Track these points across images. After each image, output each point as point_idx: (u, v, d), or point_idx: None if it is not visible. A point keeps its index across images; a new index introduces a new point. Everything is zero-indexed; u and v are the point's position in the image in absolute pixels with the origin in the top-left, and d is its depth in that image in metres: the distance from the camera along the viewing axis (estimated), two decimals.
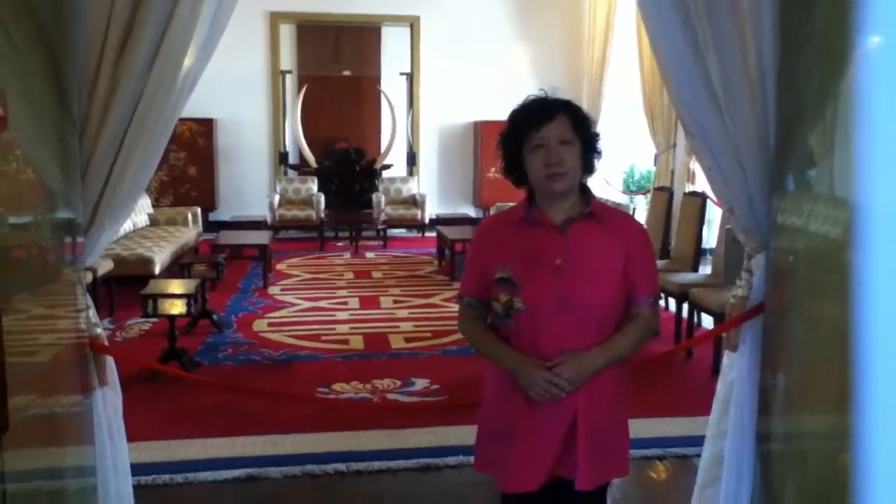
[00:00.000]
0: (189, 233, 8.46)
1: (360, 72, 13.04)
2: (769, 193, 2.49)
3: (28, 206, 2.31)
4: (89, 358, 2.47)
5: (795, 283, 2.54)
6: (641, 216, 8.04)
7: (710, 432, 2.73)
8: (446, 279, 7.95)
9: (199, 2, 2.39)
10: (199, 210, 9.34)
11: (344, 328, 6.12)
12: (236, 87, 10.81)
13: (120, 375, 2.61)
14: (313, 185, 10.81)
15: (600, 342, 1.93)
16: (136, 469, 3.25)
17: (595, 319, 1.93)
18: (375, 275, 8.35)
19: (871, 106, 0.55)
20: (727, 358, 2.72)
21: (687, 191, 7.18)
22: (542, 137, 1.91)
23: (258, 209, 10.75)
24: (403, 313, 6.64)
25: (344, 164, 11.27)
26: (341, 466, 3.57)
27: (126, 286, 6.32)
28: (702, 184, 7.04)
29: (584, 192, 2.01)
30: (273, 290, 7.47)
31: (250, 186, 11.10)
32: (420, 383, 4.73)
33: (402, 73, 11.90)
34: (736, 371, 2.61)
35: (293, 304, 6.92)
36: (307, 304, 6.93)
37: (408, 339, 5.79)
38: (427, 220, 10.70)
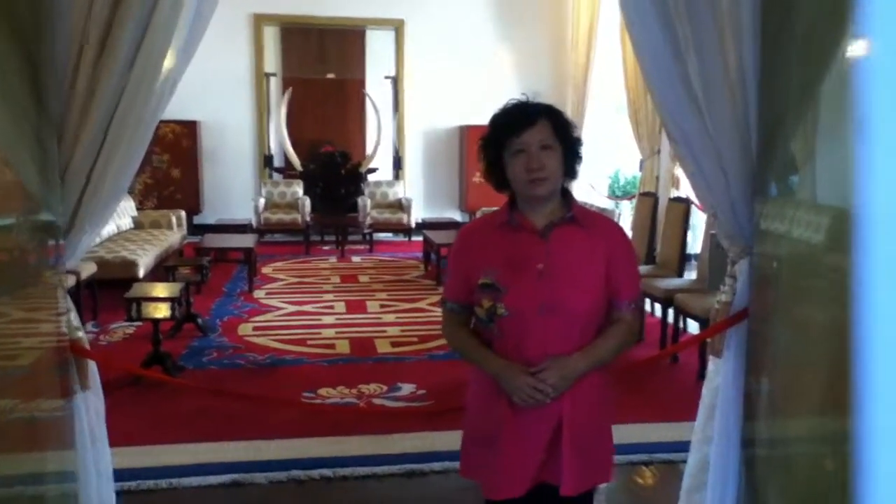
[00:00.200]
0: (173, 236, 8.41)
1: (345, 75, 13.01)
2: (752, 198, 2.50)
3: (6, 209, 2.29)
4: (70, 362, 2.44)
5: (779, 288, 2.55)
6: (627, 221, 8.06)
7: (696, 438, 2.73)
8: (433, 283, 7.94)
9: (180, 2, 2.38)
10: (183, 213, 9.29)
11: (330, 332, 6.10)
12: (220, 89, 10.76)
13: (103, 379, 2.59)
14: (298, 188, 10.77)
15: (583, 347, 1.93)
16: (121, 474, 3.22)
17: (578, 324, 1.92)
18: (362, 279, 8.33)
19: (868, 108, 0.55)
20: (712, 364, 2.73)
21: (672, 196, 7.21)
22: (523, 142, 1.90)
23: (243, 212, 10.69)
24: (390, 318, 6.62)
25: (329, 168, 11.24)
26: (327, 472, 3.55)
27: (110, 289, 6.27)
28: (686, 189, 7.07)
29: (566, 196, 2.01)
30: (258, 293, 7.43)
31: (235, 189, 11.05)
32: (406, 388, 4.72)
33: (387, 77, 11.88)
34: (721, 377, 2.61)
35: (279, 308, 6.89)
36: (293, 308, 6.89)
37: (394, 344, 5.78)
38: (413, 224, 10.68)
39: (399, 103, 11.43)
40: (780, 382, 2.49)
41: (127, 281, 6.00)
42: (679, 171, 7.97)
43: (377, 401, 4.53)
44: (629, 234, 6.86)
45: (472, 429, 2.09)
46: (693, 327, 5.57)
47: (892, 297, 0.53)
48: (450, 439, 3.20)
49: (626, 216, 9.14)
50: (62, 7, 2.26)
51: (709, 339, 2.82)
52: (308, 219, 10.30)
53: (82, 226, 2.43)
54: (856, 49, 2.04)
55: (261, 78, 11.14)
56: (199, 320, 5.97)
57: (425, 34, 11.12)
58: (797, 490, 2.36)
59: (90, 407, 2.48)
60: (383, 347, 5.69)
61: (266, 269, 8.64)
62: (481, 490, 2.04)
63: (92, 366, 2.52)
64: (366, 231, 10.31)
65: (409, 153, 11.51)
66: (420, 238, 9.40)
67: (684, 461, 2.83)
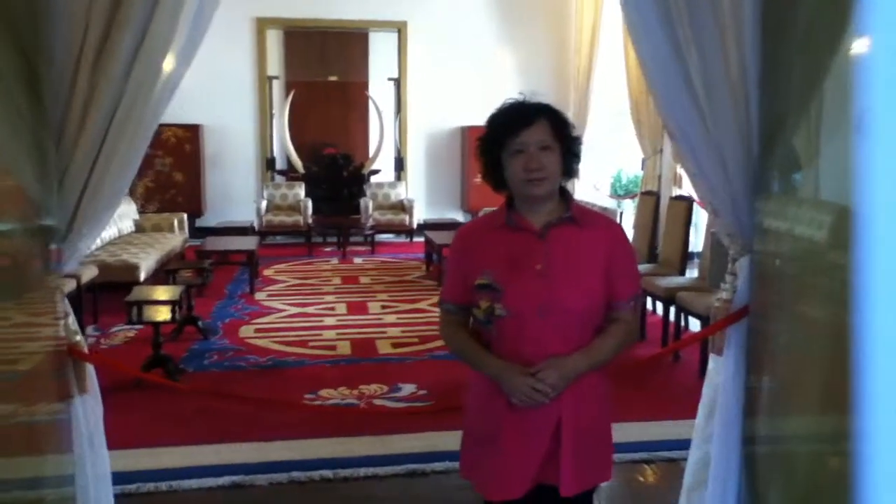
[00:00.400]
0: (175, 239, 8.41)
1: (348, 77, 13.02)
2: (752, 196, 2.49)
3: (5, 213, 2.28)
4: (68, 365, 2.43)
5: (780, 285, 2.54)
6: (629, 220, 8.05)
7: (697, 436, 2.72)
8: (434, 284, 7.93)
9: (179, 5, 2.37)
10: (185, 216, 9.29)
11: (331, 334, 6.09)
12: (223, 92, 10.78)
13: (104, 382, 2.59)
14: (301, 190, 10.78)
15: (582, 346, 1.92)
16: (121, 477, 3.23)
17: (576, 324, 1.91)
18: (363, 280, 8.33)
19: (868, 104, 0.54)
20: (713, 362, 2.72)
21: (674, 195, 7.20)
22: (521, 143, 1.89)
23: (245, 215, 10.70)
24: (391, 318, 6.62)
25: (332, 170, 11.25)
26: (328, 473, 3.54)
27: (112, 293, 6.27)
28: (688, 188, 7.05)
29: (564, 196, 2.00)
30: (260, 295, 7.44)
31: (237, 192, 11.05)
32: (407, 388, 4.71)
33: (389, 79, 11.89)
34: (721, 375, 2.60)
35: (280, 310, 6.89)
36: (294, 310, 6.89)
37: (395, 345, 5.77)
38: (415, 225, 10.68)
39: (401, 105, 11.43)
40: (781, 380, 2.48)
41: (128, 284, 6.00)
42: (681, 170, 7.96)
43: (378, 401, 4.53)
44: (631, 232, 6.85)
45: (472, 428, 2.08)
46: (695, 325, 5.56)
47: (892, 294, 0.52)
48: (451, 439, 3.18)
49: (628, 215, 9.13)
50: (60, 12, 2.26)
51: (709, 337, 2.81)
52: (310, 221, 10.30)
53: (80, 229, 2.43)
54: (857, 46, 2.03)
55: (263, 81, 11.14)
56: (200, 323, 5.97)
57: (428, 36, 11.12)
58: (798, 488, 2.35)
59: (88, 410, 2.47)
60: (384, 348, 5.68)
61: (268, 272, 8.64)
62: (479, 491, 2.03)
63: (90, 369, 2.52)
64: (368, 232, 10.31)
65: (412, 154, 11.51)
66: (422, 239, 9.39)
67: (686, 459, 2.81)
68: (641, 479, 3.60)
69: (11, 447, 2.06)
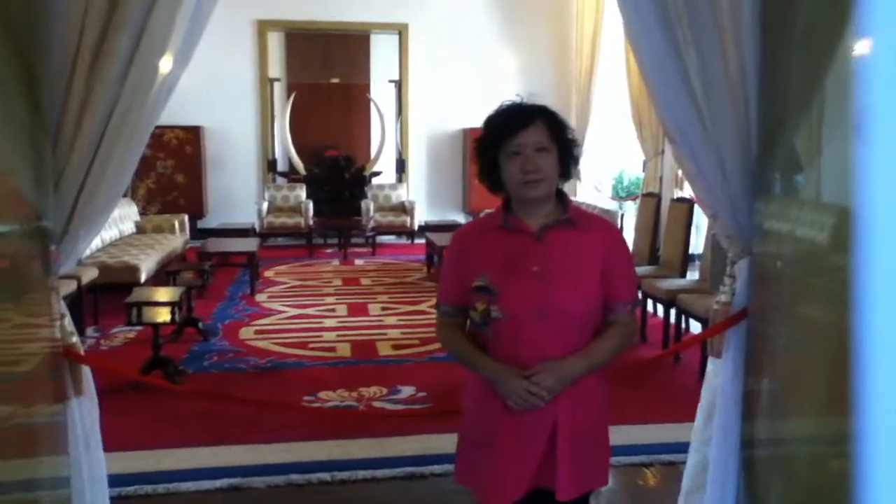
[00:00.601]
0: (176, 240, 8.41)
1: (350, 79, 13.02)
2: (751, 198, 2.48)
3: (3, 215, 2.28)
4: (65, 367, 2.43)
5: (780, 287, 2.53)
6: (630, 222, 8.03)
7: (696, 440, 2.71)
8: (435, 286, 7.91)
9: (176, 7, 2.36)
10: (186, 217, 9.31)
11: (331, 336, 6.09)
12: (224, 94, 10.79)
13: (102, 383, 2.58)
14: (302, 192, 10.78)
15: (579, 349, 1.90)
16: (119, 479, 3.23)
17: (573, 327, 1.90)
18: (364, 282, 8.32)
19: (868, 105, 0.53)
20: (711, 364, 2.71)
21: (675, 196, 7.19)
22: (518, 144, 1.88)
23: (247, 216, 10.71)
24: (391, 320, 6.61)
25: (333, 172, 11.25)
26: (325, 476, 3.53)
27: (112, 294, 6.27)
28: (689, 189, 7.04)
29: (562, 198, 1.99)
30: (260, 297, 7.43)
31: (239, 194, 11.06)
32: (406, 391, 4.70)
33: (391, 81, 11.89)
34: (720, 377, 2.59)
35: (280, 312, 6.88)
36: (295, 312, 6.89)
37: (395, 346, 5.76)
38: (416, 227, 10.68)
39: (403, 107, 11.43)
40: (781, 383, 2.46)
41: (129, 285, 6.00)
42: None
43: (377, 403, 4.52)
44: (633, 234, 6.84)
45: (469, 431, 2.07)
46: (696, 327, 5.54)
47: (892, 295, 0.52)
48: (450, 441, 3.15)
49: (629, 217, 9.13)
50: (57, 13, 2.25)
51: (708, 340, 2.79)
52: (311, 222, 10.31)
53: (77, 231, 2.42)
54: (857, 47, 2.02)
55: (265, 83, 11.15)
56: (200, 324, 5.97)
57: (429, 38, 11.12)
58: (797, 491, 2.33)
59: (84, 412, 2.46)
60: (384, 350, 5.68)
61: (269, 273, 8.64)
62: (476, 496, 2.02)
63: (86, 371, 2.51)
64: (369, 234, 10.31)
65: (413, 156, 11.51)
66: (423, 241, 9.39)
67: (686, 462, 2.80)
68: (641, 482, 3.58)
69: (7, 449, 2.05)
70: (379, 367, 5.23)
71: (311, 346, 5.76)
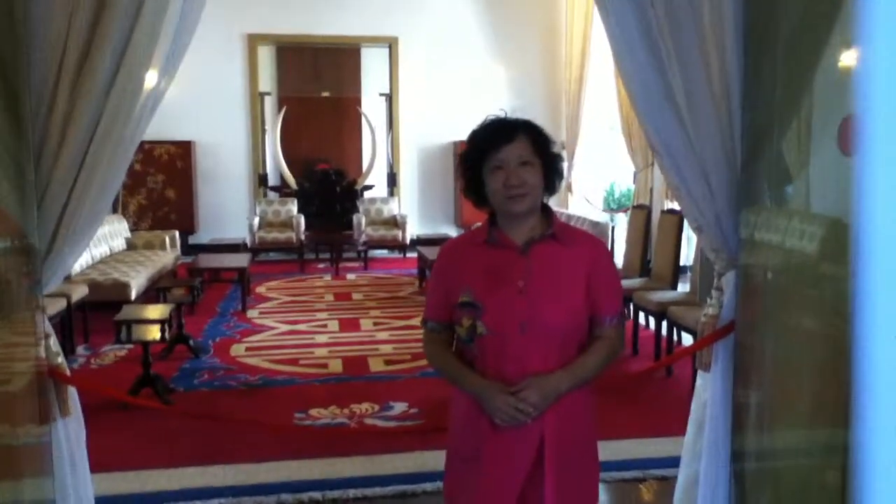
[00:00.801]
0: (167, 256, 8.38)
1: (340, 93, 13.05)
2: (737, 211, 2.48)
3: None
4: (50, 388, 2.41)
5: (767, 299, 2.52)
6: (621, 234, 8.04)
7: (686, 454, 2.70)
8: None
9: (159, 23, 2.36)
10: (177, 233, 9.28)
11: (323, 351, 6.06)
12: (215, 109, 10.78)
13: (90, 402, 2.56)
14: (293, 206, 10.77)
15: (564, 364, 1.89)
16: (107, 501, 3.20)
17: (559, 342, 1.89)
18: (356, 296, 8.30)
19: (868, 119, 0.53)
20: (700, 378, 2.70)
21: (665, 208, 7.20)
22: (501, 159, 1.88)
23: (238, 231, 10.69)
24: (383, 335, 6.59)
25: (324, 186, 11.25)
26: (316, 495, 3.50)
27: (102, 312, 6.23)
28: None
29: (547, 212, 1.99)
30: (251, 313, 7.40)
31: (230, 209, 11.03)
32: (398, 407, 4.68)
33: (381, 94, 11.91)
34: (709, 390, 2.58)
35: (272, 328, 6.85)
36: (286, 328, 6.86)
37: (387, 362, 5.74)
38: (408, 241, 10.66)
39: (393, 120, 11.44)
40: (769, 395, 2.46)
41: (119, 303, 5.97)
42: None
43: (369, 420, 4.49)
44: (624, 246, 6.84)
45: (456, 447, 2.05)
46: (687, 340, 5.53)
47: (886, 301, 0.51)
48: (441, 459, 3.14)
49: (620, 229, 9.14)
50: (40, 32, 2.25)
51: (697, 353, 2.79)
52: (303, 237, 10.29)
53: (61, 249, 2.40)
54: (842, 57, 2.02)
55: (255, 97, 11.15)
56: (191, 342, 5.94)
57: (419, 51, 11.15)
58: (787, 502, 2.32)
59: (70, 433, 2.44)
60: (376, 366, 5.65)
61: (260, 289, 8.61)
62: None
63: (72, 391, 2.49)
64: (360, 248, 10.29)
65: (404, 170, 11.51)
66: (415, 255, 9.37)
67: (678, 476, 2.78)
68: (634, 498, 3.56)
69: None
70: (371, 384, 5.21)
71: (302, 362, 5.73)
